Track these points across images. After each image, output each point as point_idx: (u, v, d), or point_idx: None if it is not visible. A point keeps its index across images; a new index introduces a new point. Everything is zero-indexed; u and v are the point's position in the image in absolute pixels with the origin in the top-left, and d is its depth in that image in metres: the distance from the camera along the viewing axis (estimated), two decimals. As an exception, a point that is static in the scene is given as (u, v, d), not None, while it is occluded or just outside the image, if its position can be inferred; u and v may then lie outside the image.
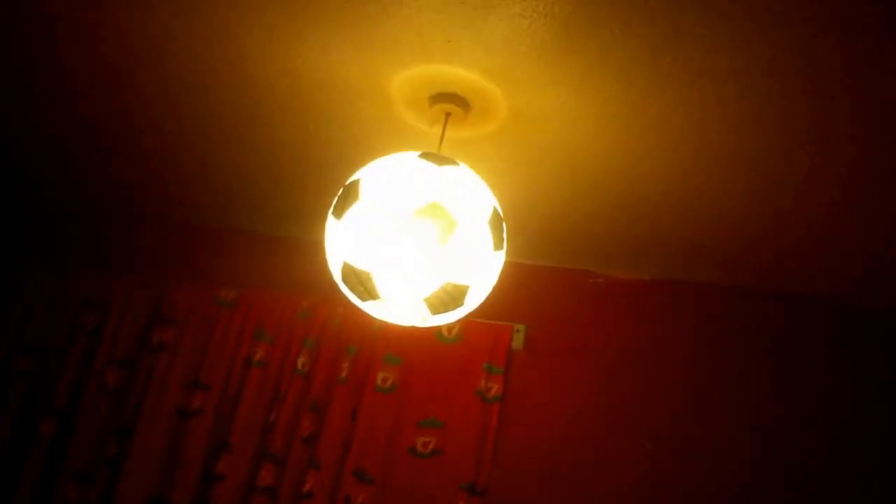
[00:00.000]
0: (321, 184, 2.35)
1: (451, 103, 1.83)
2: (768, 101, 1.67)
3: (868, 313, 2.42)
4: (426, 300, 1.69)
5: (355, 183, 1.70)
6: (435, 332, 2.52)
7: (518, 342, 2.52)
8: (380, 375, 2.49)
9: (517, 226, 2.39)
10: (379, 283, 1.66)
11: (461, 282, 1.70)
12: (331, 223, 1.73)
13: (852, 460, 2.29)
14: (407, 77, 1.81)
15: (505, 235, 1.80)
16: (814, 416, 2.35)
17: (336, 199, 1.74)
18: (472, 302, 1.77)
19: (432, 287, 1.67)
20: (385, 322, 1.80)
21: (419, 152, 1.73)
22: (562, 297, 2.61)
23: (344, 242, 1.68)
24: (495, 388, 2.44)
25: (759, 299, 2.49)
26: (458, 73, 1.76)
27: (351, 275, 1.68)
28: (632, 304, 2.57)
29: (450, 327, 2.53)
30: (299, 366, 2.53)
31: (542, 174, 2.13)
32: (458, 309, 1.75)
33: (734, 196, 2.05)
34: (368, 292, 1.68)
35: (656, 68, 1.63)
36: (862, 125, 1.69)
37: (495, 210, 1.75)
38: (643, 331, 2.53)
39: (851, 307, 2.43)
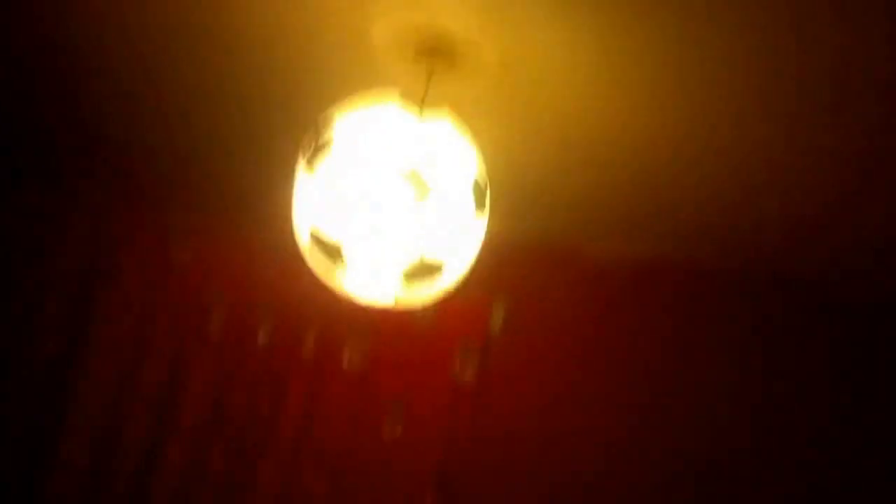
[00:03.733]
0: (292, 139, 2.25)
1: (438, 52, 1.73)
2: (788, 60, 1.58)
3: (866, 305, 2.39)
4: (401, 273, 1.61)
5: (328, 129, 1.61)
6: (409, 307, 2.45)
7: (496, 322, 2.45)
8: (345, 353, 2.40)
9: (504, 192, 2.30)
10: (349, 252, 1.58)
11: (437, 255, 1.62)
12: (300, 176, 1.64)
13: (841, 447, 2.29)
14: (389, 23, 1.70)
15: (488, 204, 1.71)
16: (802, 406, 2.34)
17: (305, 142, 1.65)
18: (451, 276, 1.69)
19: (407, 260, 1.59)
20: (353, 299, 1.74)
21: (403, 102, 1.64)
22: (546, 276, 2.54)
23: (313, 204, 1.59)
24: (469, 371, 2.38)
25: (753, 284, 2.45)
26: (446, 21, 1.66)
27: (318, 241, 1.60)
28: (620, 285, 2.51)
29: (423, 304, 2.45)
30: (257, 340, 2.43)
31: (531, 136, 2.05)
32: (435, 283, 1.68)
33: (741, 168, 1.98)
34: (337, 261, 1.59)
35: (661, 18, 1.54)
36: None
37: (480, 175, 1.67)
38: (628, 313, 2.48)
39: (848, 297, 2.40)
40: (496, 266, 2.45)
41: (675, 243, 2.43)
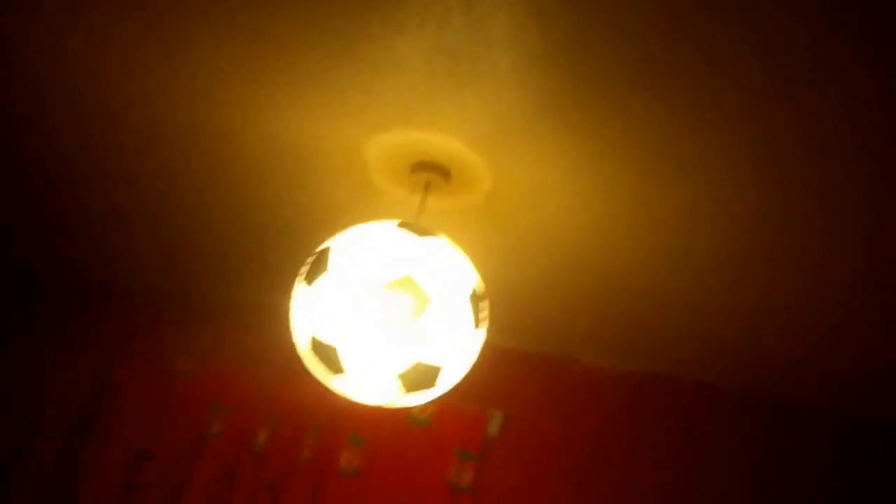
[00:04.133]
0: (292, 252, 2.31)
1: (432, 172, 1.82)
2: (777, 193, 1.65)
3: (863, 422, 2.39)
4: (397, 378, 1.64)
5: (325, 251, 1.67)
6: (405, 413, 2.46)
7: (493, 429, 2.46)
8: (344, 457, 2.41)
9: (497, 305, 2.35)
10: (345, 359, 1.62)
11: (434, 361, 1.66)
12: (298, 291, 1.70)
13: None
14: (385, 143, 1.80)
15: (486, 315, 1.75)
16: None
17: (305, 266, 1.71)
18: (446, 383, 1.73)
19: (403, 365, 1.63)
20: (351, 400, 1.75)
21: (397, 221, 1.71)
22: (543, 385, 2.58)
23: (310, 313, 1.64)
24: (467, 478, 2.37)
25: (750, 402, 2.47)
26: (440, 142, 1.75)
27: (316, 348, 1.64)
28: (615, 397, 2.54)
29: (421, 409, 2.47)
30: (257, 443, 2.44)
31: (526, 251, 2.11)
32: (431, 390, 1.71)
33: (733, 292, 2.04)
34: (335, 367, 1.63)
35: (648, 149, 1.63)
36: (876, 211, 1.67)
37: (476, 287, 1.72)
38: (624, 425, 2.49)
39: (845, 415, 2.42)
40: (493, 375, 2.49)
41: (669, 359, 2.47)
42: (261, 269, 2.52)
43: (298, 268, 1.73)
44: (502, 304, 2.36)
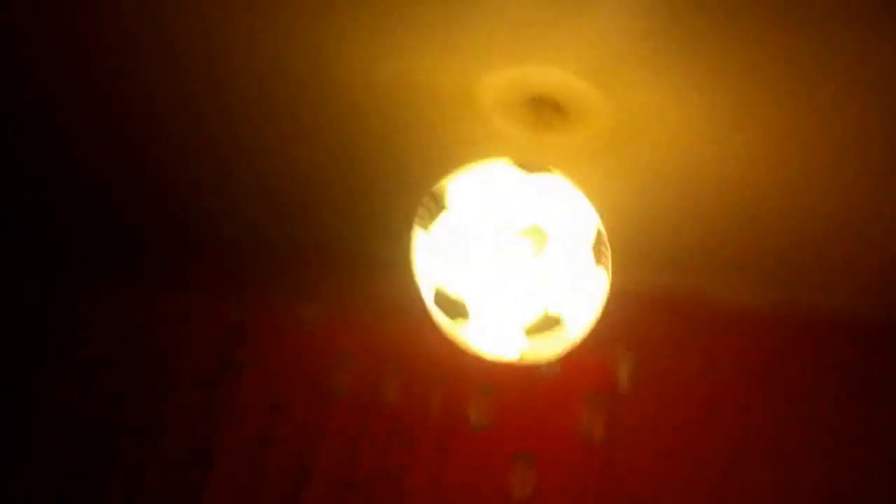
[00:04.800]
0: (410, 196, 2.28)
1: (547, 108, 1.76)
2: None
3: None
4: (524, 328, 1.62)
5: (442, 191, 1.65)
6: (532, 362, 2.43)
7: (624, 375, 2.41)
8: (472, 409, 2.42)
9: (623, 246, 2.26)
10: (473, 308, 1.60)
11: (560, 308, 1.63)
12: (419, 238, 1.69)
13: None
14: (497, 80, 1.75)
15: (609, 258, 1.70)
16: None
17: (420, 207, 1.69)
18: (574, 331, 1.69)
19: (530, 314, 1.60)
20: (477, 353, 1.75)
21: (513, 161, 1.66)
22: (673, 327, 2.49)
23: (434, 263, 1.63)
24: (598, 426, 2.34)
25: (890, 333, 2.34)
26: (554, 75, 1.69)
27: (442, 298, 1.63)
28: (749, 336, 2.44)
29: (550, 358, 2.44)
30: (386, 396, 2.48)
31: (651, 186, 2.05)
32: (559, 338, 1.68)
33: (867, 210, 1.94)
34: (461, 317, 1.62)
35: (771, 71, 1.55)
36: None
37: (598, 229, 1.68)
38: (761, 365, 2.40)
39: None
40: (622, 319, 2.41)
41: (804, 290, 2.35)
42: (382, 216, 2.51)
43: (412, 212, 1.72)
44: (629, 244, 2.27)
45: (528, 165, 1.64)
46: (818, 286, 2.31)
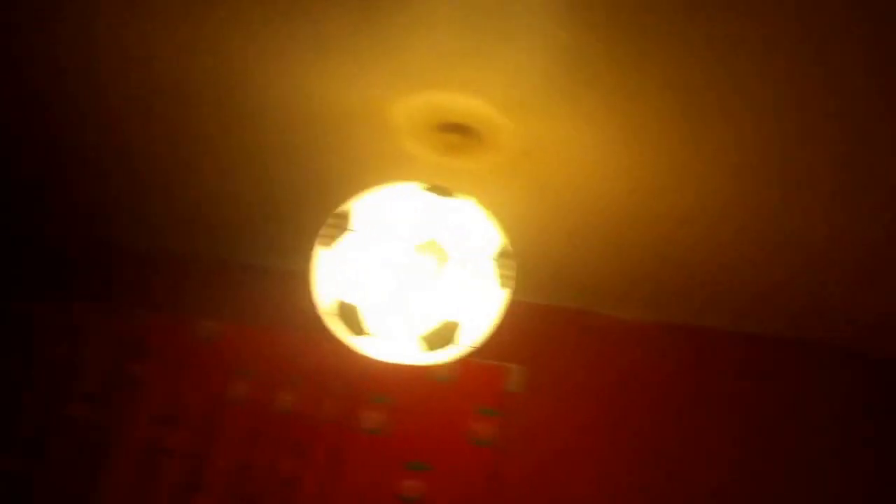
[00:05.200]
0: (314, 213, 2.30)
1: (459, 133, 1.81)
2: (812, 131, 1.64)
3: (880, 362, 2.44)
4: (420, 338, 1.66)
5: (347, 212, 1.68)
6: (427, 371, 2.48)
7: (516, 384, 2.48)
8: (366, 415, 2.44)
9: (521, 262, 2.36)
10: (370, 319, 1.63)
11: (457, 319, 1.68)
12: (321, 253, 1.71)
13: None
14: (413, 104, 1.78)
15: (511, 274, 1.77)
16: (825, 465, 2.37)
17: (325, 227, 1.72)
18: (468, 340, 1.74)
19: (426, 324, 1.65)
20: (373, 360, 1.78)
21: (423, 184, 1.71)
22: (564, 339, 2.59)
23: (333, 275, 1.65)
24: (488, 432, 2.40)
25: (769, 347, 2.50)
26: (467, 103, 1.74)
27: (340, 309, 1.65)
28: (637, 349, 2.56)
29: (443, 366, 2.49)
30: (281, 404, 2.48)
31: (552, 209, 2.12)
32: (452, 348, 1.72)
33: (754, 242, 2.05)
34: (358, 328, 1.65)
35: (676, 106, 1.63)
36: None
37: (502, 246, 1.73)
38: (647, 376, 2.52)
39: (865, 356, 2.45)
40: (516, 330, 2.50)
41: (689, 309, 2.48)
42: (285, 232, 2.52)
43: (321, 229, 1.74)
44: (528, 261, 2.37)
45: (436, 188, 1.69)
46: (701, 305, 2.44)
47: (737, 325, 2.50)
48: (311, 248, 1.75)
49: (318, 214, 2.25)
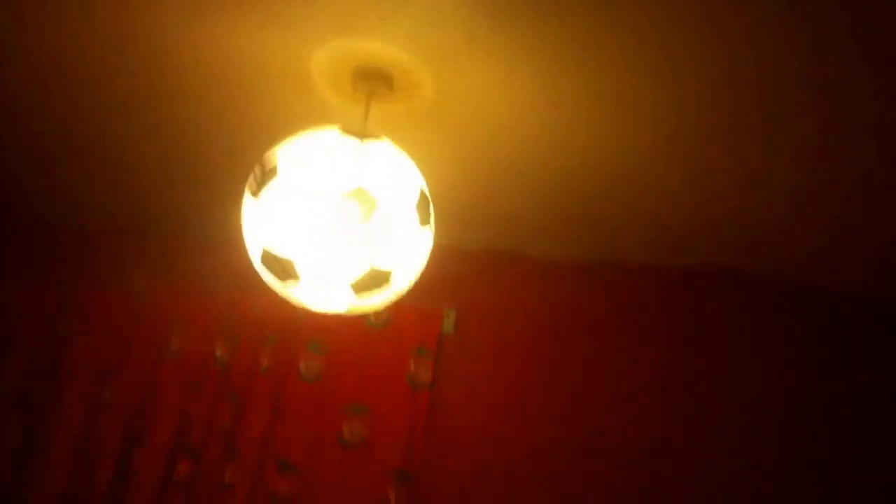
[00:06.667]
0: (234, 169, 2.29)
1: (376, 80, 1.84)
2: (721, 79, 1.71)
3: (824, 294, 2.49)
4: (351, 285, 1.70)
5: (272, 158, 1.70)
6: (362, 317, 2.52)
7: (448, 326, 2.56)
8: (303, 364, 2.49)
9: (446, 207, 2.41)
10: (301, 268, 1.67)
11: (387, 265, 1.72)
12: (248, 203, 1.74)
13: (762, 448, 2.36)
14: (328, 53, 1.80)
15: (432, 216, 1.81)
16: (758, 395, 2.41)
17: (252, 175, 1.74)
18: (400, 285, 1.79)
19: (357, 271, 1.69)
20: (307, 309, 1.81)
21: (342, 128, 1.73)
22: (493, 281, 2.65)
23: (262, 225, 1.68)
24: (425, 374, 2.47)
25: (700, 280, 2.55)
26: (383, 49, 1.77)
27: (271, 260, 1.68)
28: (565, 288, 2.61)
29: (377, 312, 2.53)
30: (217, 356, 2.52)
31: (471, 153, 2.16)
32: (385, 292, 1.77)
33: (670, 174, 2.11)
34: (290, 277, 1.68)
35: (588, 50, 1.68)
36: (822, 103, 1.74)
37: (422, 190, 1.77)
38: (577, 315, 2.57)
39: (798, 286, 2.51)
40: (446, 274, 2.56)
41: (611, 245, 2.54)
42: (209, 190, 2.52)
43: (243, 190, 1.76)
44: (451, 205, 2.41)
45: (357, 133, 1.71)
46: (622, 241, 2.50)
47: (663, 260, 2.55)
48: (237, 210, 1.76)
49: (245, 172, 2.26)
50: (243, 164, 2.18)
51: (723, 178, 2.09)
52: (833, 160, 1.92)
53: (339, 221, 1.64)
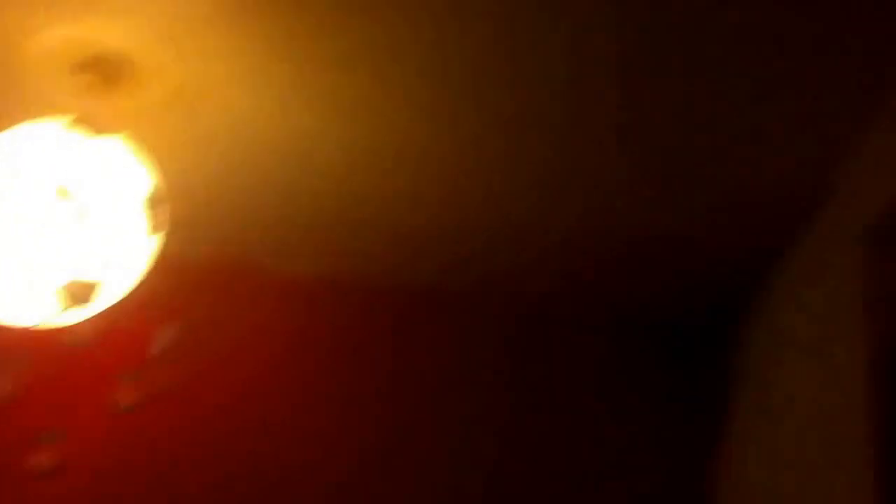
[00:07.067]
0: None
1: (104, 67, 1.68)
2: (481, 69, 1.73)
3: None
4: (53, 293, 1.55)
5: None
6: (63, 333, 2.30)
7: (164, 345, 2.38)
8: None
9: (178, 212, 2.25)
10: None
11: (96, 274, 1.59)
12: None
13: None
14: (54, 35, 1.62)
15: (162, 221, 1.71)
16: (485, 415, 2.50)
17: None
18: (110, 297, 1.64)
19: (60, 279, 1.53)
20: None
21: (62, 120, 1.58)
22: (221, 293, 2.51)
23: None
24: (132, 397, 2.29)
25: (423, 301, 2.59)
26: (113, 35, 1.63)
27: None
28: (297, 304, 2.54)
29: (80, 327, 2.32)
30: None
31: (207, 153, 2.04)
32: (92, 305, 1.62)
33: (419, 184, 2.12)
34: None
35: (331, 47, 1.66)
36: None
37: (152, 191, 1.66)
38: (306, 333, 2.51)
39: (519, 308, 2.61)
40: (168, 286, 2.38)
41: (356, 261, 2.51)
42: None
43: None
44: (184, 209, 2.24)
45: (79, 126, 1.58)
46: (360, 256, 2.48)
47: (400, 277, 2.55)
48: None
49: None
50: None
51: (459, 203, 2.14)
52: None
53: (43, 222, 1.48)
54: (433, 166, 2.05)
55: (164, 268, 2.09)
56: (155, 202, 1.66)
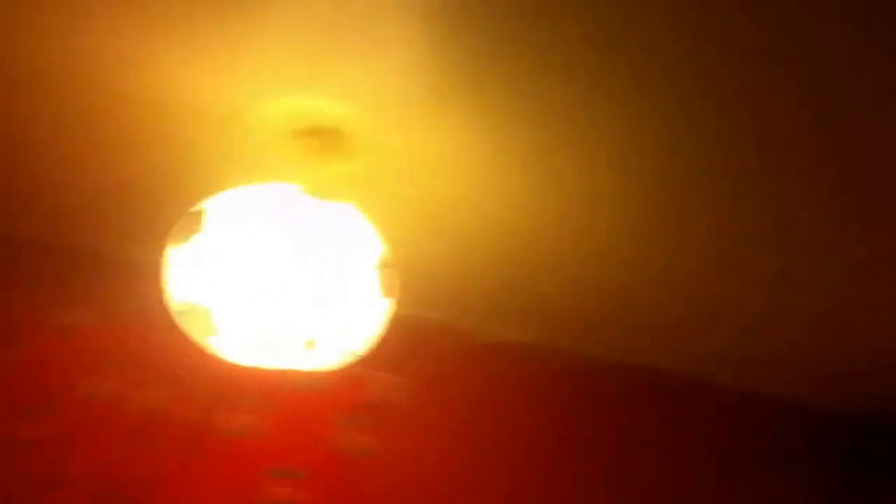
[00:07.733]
0: (168, 210, 2.21)
1: (325, 138, 1.77)
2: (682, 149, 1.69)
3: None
4: (287, 343, 1.64)
5: (201, 211, 1.64)
6: (296, 376, 2.43)
7: (391, 395, 2.46)
8: (225, 417, 2.40)
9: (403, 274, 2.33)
10: (224, 321, 1.60)
11: (328, 327, 1.65)
12: (173, 254, 1.67)
13: None
14: (275, 107, 1.73)
15: (393, 284, 1.76)
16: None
17: (177, 225, 1.67)
18: (345, 350, 1.73)
19: (299, 332, 1.62)
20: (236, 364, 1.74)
21: (295, 186, 1.68)
22: (439, 355, 2.57)
23: (187, 278, 1.61)
24: (361, 442, 2.37)
25: (630, 374, 2.58)
26: (333, 108, 1.71)
27: (193, 312, 1.61)
28: (508, 368, 2.57)
29: (315, 373, 2.45)
30: (138, 402, 2.42)
31: (422, 222, 2.10)
32: (327, 355, 1.71)
33: (625, 259, 2.09)
34: (209, 330, 1.60)
35: (553, 123, 1.65)
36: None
37: (383, 255, 1.71)
38: (516, 395, 2.54)
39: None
40: (398, 343, 2.47)
41: (562, 331, 2.51)
42: (139, 222, 2.41)
43: (173, 227, 1.69)
44: (406, 273, 2.33)
45: (313, 191, 1.66)
46: (572, 329, 2.47)
47: (627, 356, 2.54)
48: (164, 241, 1.70)
49: (172, 212, 2.19)
50: (178, 208, 2.09)
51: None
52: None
53: (275, 275, 1.57)
54: (672, 244, 1.99)
55: (391, 325, 2.18)
56: (385, 266, 1.71)
